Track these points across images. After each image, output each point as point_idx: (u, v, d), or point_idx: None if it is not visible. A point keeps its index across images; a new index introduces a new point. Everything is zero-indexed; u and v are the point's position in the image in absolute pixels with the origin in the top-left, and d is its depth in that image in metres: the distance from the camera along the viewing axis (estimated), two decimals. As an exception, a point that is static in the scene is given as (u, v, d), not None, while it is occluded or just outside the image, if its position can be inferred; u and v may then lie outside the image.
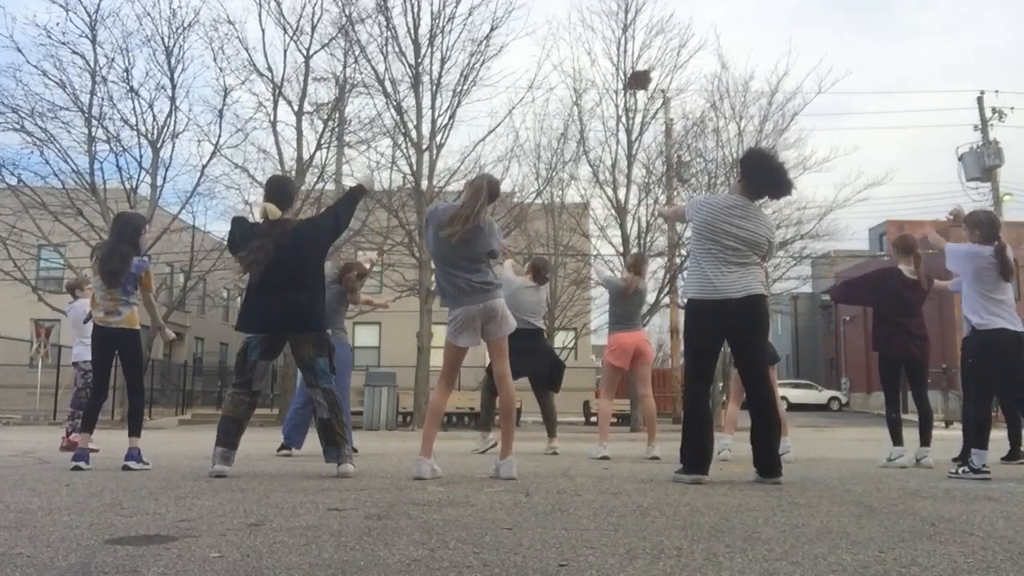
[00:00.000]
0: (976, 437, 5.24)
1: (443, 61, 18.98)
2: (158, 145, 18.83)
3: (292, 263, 4.76)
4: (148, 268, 5.69)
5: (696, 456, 4.44)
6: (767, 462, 4.48)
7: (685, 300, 4.74)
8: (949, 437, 12.10)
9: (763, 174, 4.69)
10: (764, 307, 4.66)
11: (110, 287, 5.42)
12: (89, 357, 7.82)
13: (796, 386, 38.88)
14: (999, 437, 5.46)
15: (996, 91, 28.48)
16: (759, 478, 4.47)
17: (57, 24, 20.61)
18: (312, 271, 4.92)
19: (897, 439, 6.21)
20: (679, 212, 5.42)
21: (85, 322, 6.83)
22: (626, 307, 7.10)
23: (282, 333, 4.90)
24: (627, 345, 6.98)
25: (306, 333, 4.86)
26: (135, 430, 5.44)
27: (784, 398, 35.33)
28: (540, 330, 7.76)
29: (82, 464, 5.18)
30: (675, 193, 20.52)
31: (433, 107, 18.97)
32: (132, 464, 5.19)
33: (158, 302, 6.72)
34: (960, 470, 5.15)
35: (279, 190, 5.07)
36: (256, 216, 5.03)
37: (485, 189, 4.63)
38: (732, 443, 6.85)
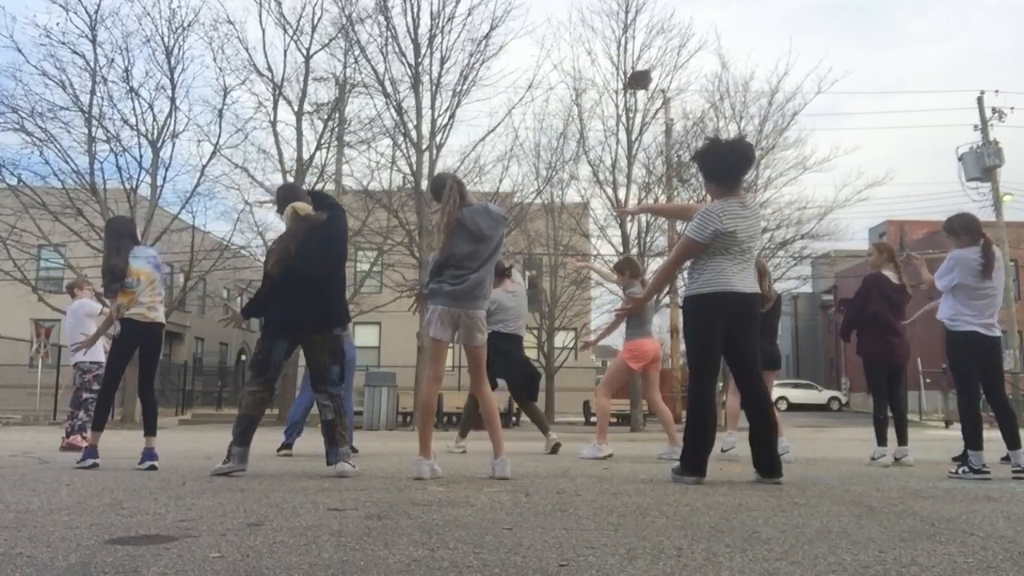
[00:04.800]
0: (968, 437, 5.24)
1: (443, 61, 18.99)
2: (158, 145, 18.80)
3: (327, 259, 4.91)
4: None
5: (697, 456, 4.44)
6: (767, 462, 4.48)
7: (685, 298, 4.65)
8: (949, 437, 12.11)
9: (723, 163, 4.58)
10: (759, 306, 4.71)
11: (116, 281, 5.46)
12: (92, 358, 7.86)
13: (796, 386, 38.88)
14: (998, 437, 5.44)
15: (996, 91, 28.54)
16: (759, 478, 4.47)
17: (57, 24, 20.70)
18: (340, 267, 5.11)
19: (882, 439, 6.47)
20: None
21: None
22: (644, 314, 7.17)
23: (314, 332, 4.96)
24: (649, 352, 7.13)
25: (330, 332, 4.98)
26: (153, 429, 5.47)
27: (784, 398, 35.47)
28: (515, 335, 7.74)
29: (96, 461, 5.24)
30: (675, 193, 20.49)
31: (433, 107, 18.97)
32: (155, 463, 5.21)
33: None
34: (960, 470, 5.16)
35: (296, 192, 5.26)
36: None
37: (449, 191, 4.60)
38: (737, 441, 6.87)
